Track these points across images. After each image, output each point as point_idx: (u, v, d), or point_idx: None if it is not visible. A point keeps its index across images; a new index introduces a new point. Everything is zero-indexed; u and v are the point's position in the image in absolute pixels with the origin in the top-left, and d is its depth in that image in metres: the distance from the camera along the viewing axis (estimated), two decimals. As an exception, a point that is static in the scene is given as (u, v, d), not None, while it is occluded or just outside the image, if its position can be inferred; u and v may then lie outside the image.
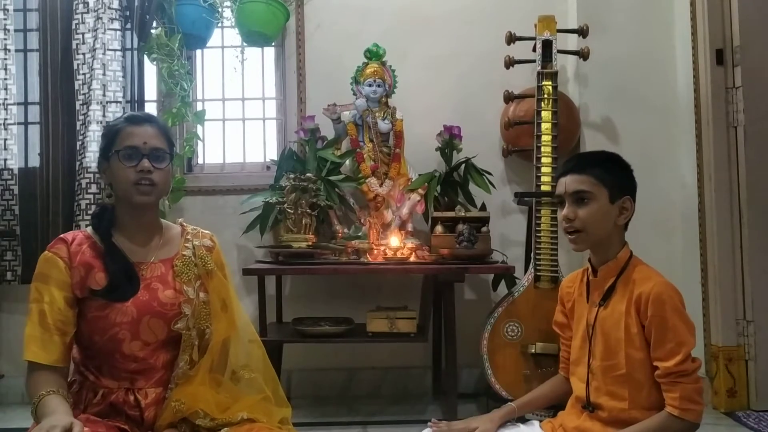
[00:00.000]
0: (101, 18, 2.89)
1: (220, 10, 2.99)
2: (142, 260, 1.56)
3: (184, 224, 1.68)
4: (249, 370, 1.61)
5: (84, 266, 1.50)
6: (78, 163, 2.91)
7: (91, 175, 2.85)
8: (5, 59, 2.93)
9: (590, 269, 1.73)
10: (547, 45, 2.64)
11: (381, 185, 2.81)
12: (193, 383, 1.51)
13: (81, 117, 2.91)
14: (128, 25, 2.96)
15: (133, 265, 1.53)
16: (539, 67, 2.63)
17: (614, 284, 1.67)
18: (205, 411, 1.47)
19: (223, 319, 1.59)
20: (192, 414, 1.47)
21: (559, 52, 2.67)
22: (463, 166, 2.93)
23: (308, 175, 2.69)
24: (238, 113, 3.25)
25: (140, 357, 1.50)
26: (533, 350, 2.41)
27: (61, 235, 1.56)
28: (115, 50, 2.93)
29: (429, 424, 1.80)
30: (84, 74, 2.91)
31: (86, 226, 2.74)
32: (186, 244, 1.61)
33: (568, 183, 1.67)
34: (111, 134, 1.55)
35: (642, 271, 1.66)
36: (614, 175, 1.67)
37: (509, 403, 1.87)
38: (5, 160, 2.93)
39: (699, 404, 1.55)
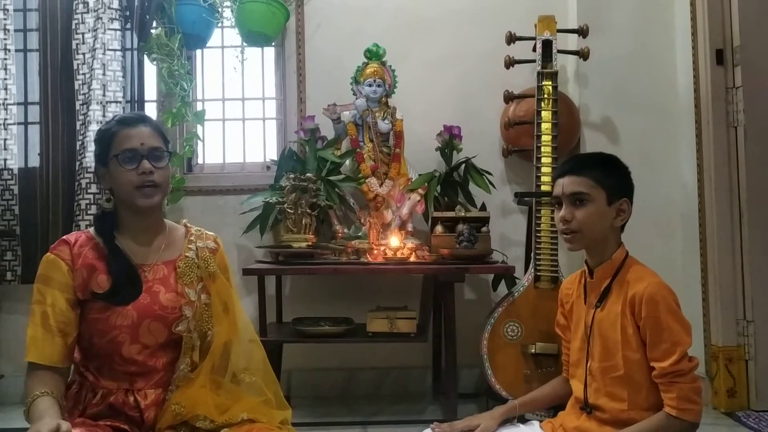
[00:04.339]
0: (101, 18, 2.89)
1: (220, 10, 2.99)
2: (145, 262, 1.55)
3: (188, 225, 1.67)
4: (249, 373, 1.60)
5: (86, 268, 1.50)
6: (78, 163, 2.91)
7: (91, 175, 2.84)
8: (5, 59, 2.93)
9: (587, 271, 1.73)
10: (547, 45, 2.64)
11: (381, 185, 2.81)
12: (193, 386, 1.50)
13: (81, 117, 2.91)
14: (128, 25, 2.96)
15: (136, 269, 1.52)
16: (539, 67, 2.63)
17: (609, 285, 1.66)
18: (205, 414, 1.47)
19: (224, 321, 1.58)
20: (192, 417, 1.46)
21: (559, 52, 2.67)
22: (463, 166, 2.93)
23: (308, 175, 2.69)
24: (238, 113, 3.24)
25: (139, 360, 1.49)
26: (533, 350, 2.41)
27: (64, 237, 1.55)
28: (115, 50, 2.93)
29: (431, 426, 1.80)
30: (84, 74, 2.91)
31: (87, 226, 2.78)
32: (189, 246, 1.60)
33: (566, 184, 1.67)
34: (106, 139, 1.53)
35: (636, 271, 1.66)
36: (612, 177, 1.66)
37: (511, 401, 1.87)
38: (5, 160, 2.93)
39: (697, 404, 1.55)
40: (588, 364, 1.68)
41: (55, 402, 1.39)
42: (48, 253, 1.52)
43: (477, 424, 1.77)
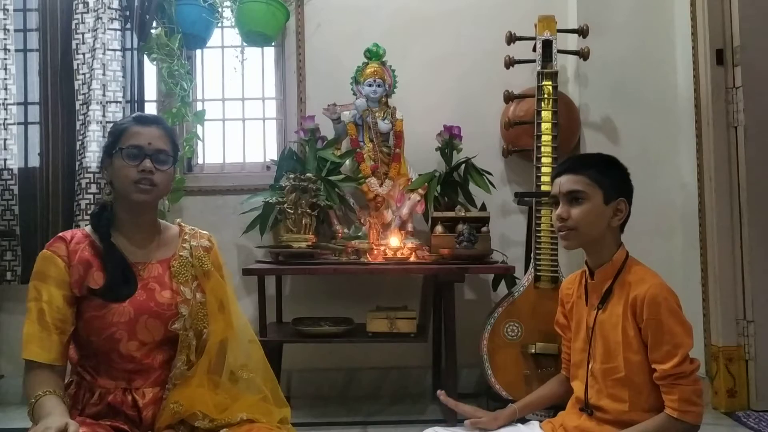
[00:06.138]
0: (101, 18, 2.89)
1: (220, 10, 2.99)
2: (140, 261, 1.56)
3: (182, 224, 1.68)
4: (247, 370, 1.60)
5: (83, 264, 1.50)
6: (78, 163, 2.91)
7: (91, 175, 2.85)
8: (5, 59, 2.93)
9: (587, 272, 1.73)
10: (547, 45, 2.64)
11: (381, 185, 2.81)
12: (191, 385, 1.50)
13: (81, 117, 2.91)
14: (128, 25, 2.96)
15: (130, 266, 1.53)
16: (539, 67, 2.63)
17: (611, 287, 1.66)
18: (203, 413, 1.47)
19: (220, 319, 1.58)
20: (190, 416, 1.47)
21: (559, 52, 2.67)
22: (463, 166, 2.93)
23: (308, 175, 2.69)
24: (238, 113, 3.25)
25: (137, 357, 1.50)
26: (533, 350, 2.41)
27: (60, 234, 1.56)
28: (115, 50, 2.93)
29: (437, 393, 1.84)
30: (84, 74, 2.91)
31: (85, 225, 2.78)
32: (183, 245, 1.61)
33: (563, 183, 1.67)
34: (117, 132, 1.56)
35: (637, 272, 1.65)
36: (609, 177, 1.66)
37: (511, 404, 1.87)
38: (5, 160, 2.93)
39: (698, 406, 1.55)
40: (590, 366, 1.68)
41: (61, 401, 1.38)
42: (44, 250, 1.52)
43: (481, 416, 1.79)
